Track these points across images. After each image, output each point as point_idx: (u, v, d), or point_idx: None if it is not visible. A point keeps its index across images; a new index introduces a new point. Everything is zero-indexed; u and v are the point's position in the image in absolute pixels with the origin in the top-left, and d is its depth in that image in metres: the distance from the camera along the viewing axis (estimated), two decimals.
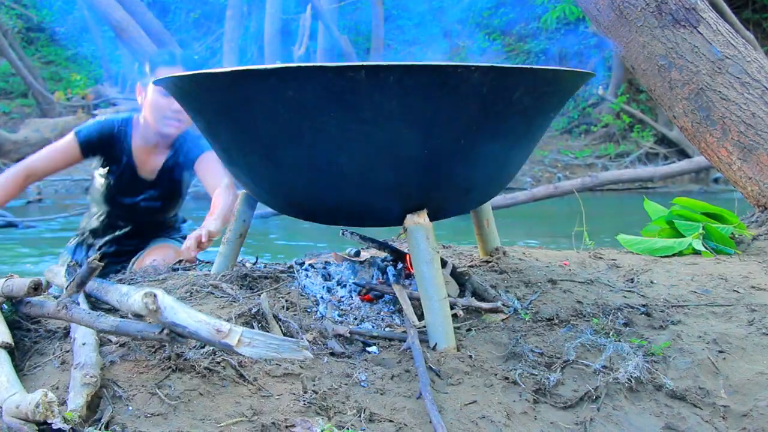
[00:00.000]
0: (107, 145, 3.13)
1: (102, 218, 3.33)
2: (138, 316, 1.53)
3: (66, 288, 1.62)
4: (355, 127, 1.71)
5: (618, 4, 2.98)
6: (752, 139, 2.87)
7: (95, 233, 3.36)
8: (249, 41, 17.05)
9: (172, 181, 3.23)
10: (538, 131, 2.00)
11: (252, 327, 1.76)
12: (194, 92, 1.86)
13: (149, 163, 3.19)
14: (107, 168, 3.18)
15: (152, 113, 3.04)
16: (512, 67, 1.72)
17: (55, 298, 2.11)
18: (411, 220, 1.85)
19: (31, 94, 15.81)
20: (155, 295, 1.42)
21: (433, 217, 1.91)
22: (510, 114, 1.80)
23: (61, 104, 13.98)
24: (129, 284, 2.23)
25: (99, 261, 1.53)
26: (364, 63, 1.60)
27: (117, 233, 3.32)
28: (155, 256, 3.11)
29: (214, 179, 3.02)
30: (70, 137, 3.12)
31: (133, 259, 3.27)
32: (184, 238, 3.26)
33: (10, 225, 6.57)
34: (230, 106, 1.77)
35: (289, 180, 1.87)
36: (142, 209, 3.25)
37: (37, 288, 1.66)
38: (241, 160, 1.93)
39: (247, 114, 1.76)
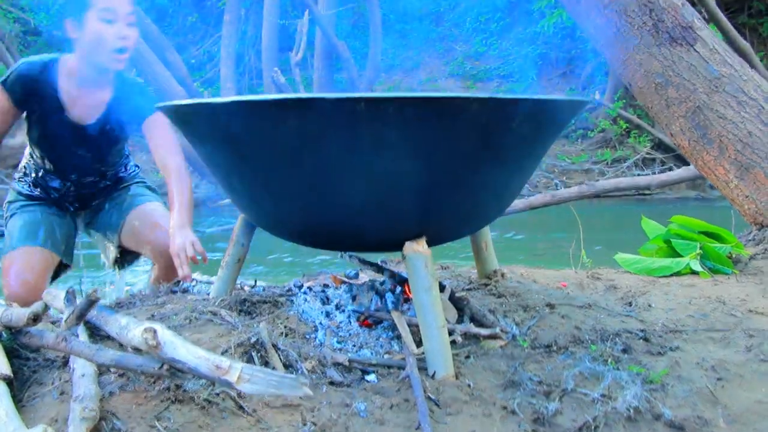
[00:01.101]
0: (35, 87, 2.78)
1: (45, 167, 3.03)
2: (137, 350, 1.53)
3: (65, 320, 1.62)
4: (355, 157, 1.71)
5: (615, 21, 2.99)
6: (749, 158, 2.87)
7: (45, 176, 3.05)
8: (246, 45, 17.07)
9: (112, 128, 2.93)
10: (537, 158, 2.01)
11: (251, 357, 1.76)
12: (195, 121, 1.86)
13: (83, 107, 2.87)
14: (34, 115, 2.86)
15: (96, 46, 2.70)
16: (511, 98, 1.73)
17: (53, 323, 2.12)
18: (410, 248, 1.85)
19: None
20: (155, 331, 1.42)
21: (431, 243, 1.91)
22: (509, 143, 1.80)
23: None
24: (128, 309, 2.24)
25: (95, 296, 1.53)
26: (364, 95, 1.60)
27: (67, 184, 3.05)
28: (154, 222, 2.99)
29: (165, 151, 2.87)
30: None
31: (123, 221, 3.05)
32: (145, 184, 3.21)
33: None
34: (231, 135, 1.77)
35: (290, 208, 1.88)
36: (81, 158, 2.97)
37: (36, 318, 1.66)
38: (242, 187, 1.93)
39: (248, 143, 1.76)
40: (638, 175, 13.79)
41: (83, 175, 3.04)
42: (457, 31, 17.90)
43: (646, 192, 10.62)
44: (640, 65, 2.99)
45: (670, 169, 12.85)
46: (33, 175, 3.03)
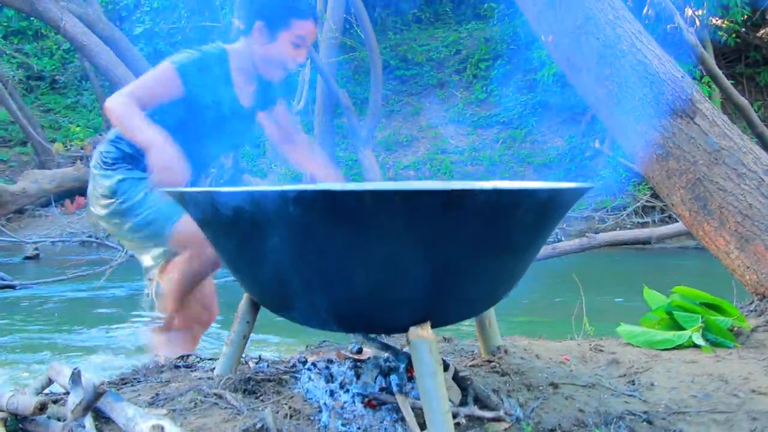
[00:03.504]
0: (206, 74, 3.10)
1: None
2: None
3: (72, 411, 1.63)
4: (361, 246, 1.74)
5: (615, 93, 3.03)
6: (749, 230, 2.90)
7: None
8: None
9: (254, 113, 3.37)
10: (543, 239, 2.03)
11: None
12: (199, 206, 1.89)
13: (245, 92, 3.26)
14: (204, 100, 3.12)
15: (275, 62, 3.16)
16: (516, 189, 1.76)
17: (54, 402, 2.12)
18: (414, 333, 1.86)
19: (30, 143, 15.91)
20: (163, 428, 1.43)
21: (436, 325, 1.93)
22: (514, 231, 1.82)
23: (60, 154, 14.05)
24: (132, 386, 2.24)
25: None
26: (370, 188, 1.63)
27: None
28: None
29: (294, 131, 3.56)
30: (166, 65, 3.05)
31: None
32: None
33: (8, 287, 6.49)
34: (235, 223, 1.79)
35: (295, 293, 1.89)
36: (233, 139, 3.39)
37: (43, 408, 1.67)
38: (247, 271, 1.95)
39: (253, 232, 1.78)
40: (638, 222, 13.86)
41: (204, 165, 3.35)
42: (458, 77, 18.06)
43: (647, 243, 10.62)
44: (640, 136, 3.03)
45: (670, 217, 12.88)
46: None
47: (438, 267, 1.78)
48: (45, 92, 19.98)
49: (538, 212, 1.83)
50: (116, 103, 2.87)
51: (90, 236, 8.90)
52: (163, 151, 2.76)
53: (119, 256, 6.67)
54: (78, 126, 18.01)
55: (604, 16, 3.06)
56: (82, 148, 13.95)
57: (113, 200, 3.06)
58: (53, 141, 16.08)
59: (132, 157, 3.06)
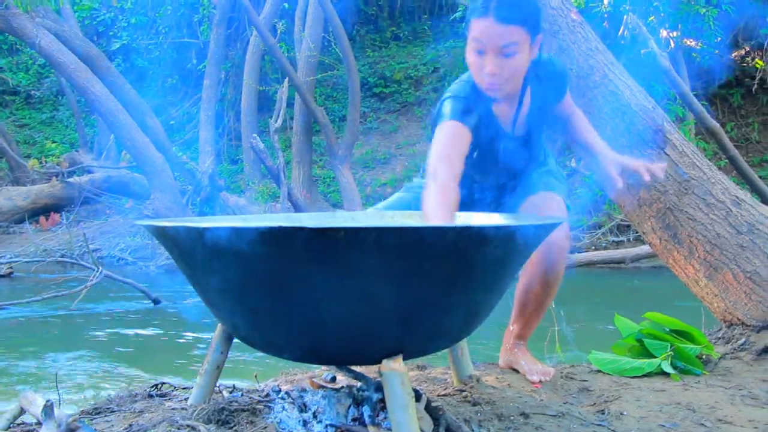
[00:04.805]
0: (475, 108, 2.62)
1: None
2: None
3: None
4: (334, 281, 1.76)
5: (587, 122, 3.07)
6: (718, 258, 2.95)
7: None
8: (226, 107, 17.20)
9: (529, 131, 2.77)
10: (514, 272, 2.06)
11: None
12: (174, 241, 1.90)
13: (505, 116, 2.71)
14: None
15: (474, 73, 2.58)
16: (486, 227, 1.79)
17: None
18: (387, 365, 1.88)
19: (4, 159, 15.79)
20: None
21: (408, 357, 1.96)
22: (485, 265, 1.86)
23: (35, 170, 13.97)
24: (105, 416, 2.25)
25: None
26: (344, 226, 1.66)
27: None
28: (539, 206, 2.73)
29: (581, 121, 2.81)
30: (449, 123, 2.58)
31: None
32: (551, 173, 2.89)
33: None
34: (209, 257, 1.81)
35: (269, 326, 1.91)
36: (504, 163, 2.80)
37: None
38: (221, 304, 1.97)
39: (227, 266, 1.80)
40: (613, 241, 13.96)
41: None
42: (435, 95, 18.14)
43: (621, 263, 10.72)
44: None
45: None
46: None
47: (409, 301, 1.81)
48: (20, 107, 19.84)
49: (508, 247, 1.86)
50: None
51: (63, 255, 8.82)
52: None
53: (93, 276, 6.63)
54: (54, 142, 17.90)
55: (578, 48, 3.11)
56: (57, 164, 13.87)
57: None
58: (28, 156, 15.99)
59: None
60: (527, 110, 2.71)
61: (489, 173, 2.80)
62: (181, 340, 5.85)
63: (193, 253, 1.89)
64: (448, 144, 2.54)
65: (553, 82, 2.69)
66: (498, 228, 1.84)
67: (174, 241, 1.93)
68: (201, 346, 5.51)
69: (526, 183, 2.81)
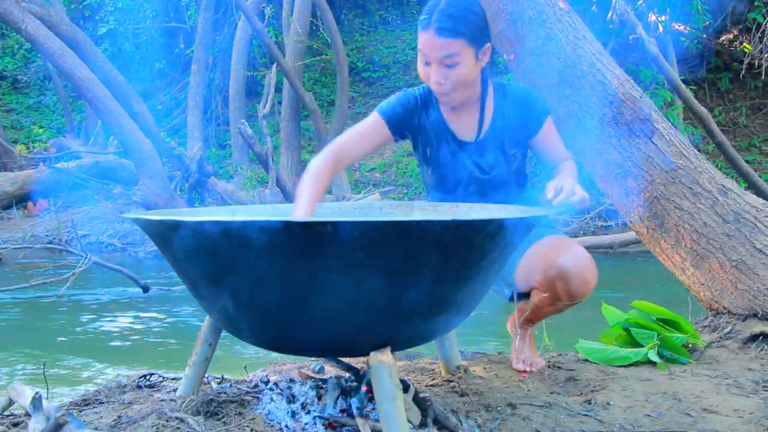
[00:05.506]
0: (413, 114, 2.74)
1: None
2: None
3: None
4: (322, 275, 1.77)
5: (576, 112, 3.07)
6: (704, 247, 2.97)
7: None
8: (214, 92, 17.13)
9: (500, 138, 2.74)
10: (501, 264, 2.07)
11: None
12: (162, 234, 1.90)
13: (463, 124, 2.74)
14: (422, 145, 2.78)
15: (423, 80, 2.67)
16: (473, 220, 1.79)
17: (15, 426, 2.12)
18: (375, 357, 1.89)
19: None
20: None
21: (396, 349, 1.97)
22: (472, 258, 1.86)
23: (22, 156, 13.89)
24: (94, 408, 2.25)
25: None
26: (332, 220, 1.66)
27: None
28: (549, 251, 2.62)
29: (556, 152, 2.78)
30: (373, 116, 2.73)
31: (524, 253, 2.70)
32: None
33: None
34: (198, 250, 1.81)
35: (257, 318, 1.92)
36: (480, 180, 2.76)
37: None
38: (209, 296, 1.97)
39: (215, 259, 1.80)
40: (602, 225, 14.00)
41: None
42: None
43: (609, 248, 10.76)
44: (600, 154, 3.08)
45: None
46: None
47: (397, 294, 1.81)
48: (7, 92, 19.71)
49: (496, 240, 1.87)
50: None
51: (51, 241, 8.79)
52: None
53: (82, 262, 6.60)
54: (41, 127, 17.80)
55: (565, 37, 3.10)
56: (45, 150, 13.80)
57: None
58: (15, 142, 15.89)
59: None
60: (492, 116, 2.74)
61: (454, 192, 2.79)
62: (170, 328, 5.84)
63: (177, 246, 1.88)
64: (354, 133, 2.73)
65: (524, 110, 2.74)
66: (485, 221, 1.84)
67: (158, 235, 1.93)
68: (190, 334, 5.50)
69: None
